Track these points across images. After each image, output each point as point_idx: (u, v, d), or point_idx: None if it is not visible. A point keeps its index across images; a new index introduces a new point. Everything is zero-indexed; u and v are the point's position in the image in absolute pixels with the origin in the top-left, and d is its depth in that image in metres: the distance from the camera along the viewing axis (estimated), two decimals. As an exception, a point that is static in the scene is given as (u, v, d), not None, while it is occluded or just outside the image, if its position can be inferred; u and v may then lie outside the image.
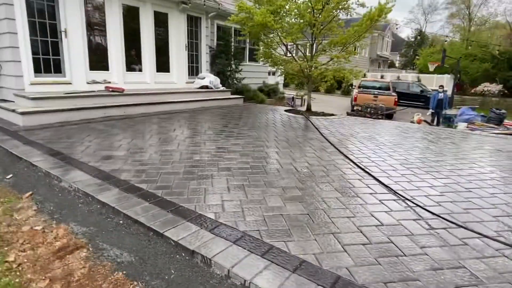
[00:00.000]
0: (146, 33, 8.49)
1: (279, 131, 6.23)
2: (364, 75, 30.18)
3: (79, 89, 6.98)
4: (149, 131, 5.62)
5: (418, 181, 3.69)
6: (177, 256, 2.14)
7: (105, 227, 2.47)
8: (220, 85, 10.11)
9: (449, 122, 13.01)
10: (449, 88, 19.80)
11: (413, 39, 46.80)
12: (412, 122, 9.61)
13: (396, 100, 14.91)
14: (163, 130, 5.75)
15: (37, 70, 6.55)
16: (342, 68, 8.73)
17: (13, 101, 6.28)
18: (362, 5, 8.09)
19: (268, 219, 2.59)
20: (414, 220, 2.70)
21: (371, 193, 3.25)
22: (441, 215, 2.77)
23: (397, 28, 42.93)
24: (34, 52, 6.46)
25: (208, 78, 9.71)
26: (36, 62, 6.52)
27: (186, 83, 9.70)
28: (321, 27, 8.39)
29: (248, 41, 11.86)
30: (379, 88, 16.51)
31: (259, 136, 5.68)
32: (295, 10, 8.36)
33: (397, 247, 2.27)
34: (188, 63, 9.88)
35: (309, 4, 8.20)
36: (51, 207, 2.77)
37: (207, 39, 10.43)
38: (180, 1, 8.77)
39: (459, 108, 14.97)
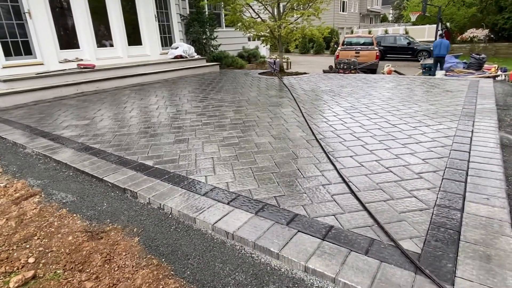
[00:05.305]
0: (113, 7, 8.53)
1: (244, 92, 6.52)
2: (352, 32, 29.66)
3: (52, 69, 7.23)
4: (117, 103, 5.93)
5: (348, 118, 4.07)
6: (112, 193, 2.57)
7: (57, 178, 2.89)
8: (195, 54, 10.24)
9: (429, 71, 13.10)
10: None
11: (405, -11, 45.07)
12: (383, 73, 9.79)
13: (378, 54, 14.95)
14: (130, 100, 6.07)
15: (7, 53, 6.78)
16: (307, 26, 8.80)
17: (-12, 86, 6.57)
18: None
19: (198, 162, 2.99)
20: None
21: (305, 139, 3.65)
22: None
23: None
24: (2, 36, 6.65)
25: (182, 47, 9.83)
26: (5, 45, 6.72)
27: (160, 54, 9.85)
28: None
29: (222, 6, 11.77)
30: (363, 44, 16.43)
31: (222, 98, 5.99)
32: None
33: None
34: (160, 33, 9.95)
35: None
36: (14, 168, 3.19)
37: (177, 8, 10.40)
38: (143, -29, 8.71)
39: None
